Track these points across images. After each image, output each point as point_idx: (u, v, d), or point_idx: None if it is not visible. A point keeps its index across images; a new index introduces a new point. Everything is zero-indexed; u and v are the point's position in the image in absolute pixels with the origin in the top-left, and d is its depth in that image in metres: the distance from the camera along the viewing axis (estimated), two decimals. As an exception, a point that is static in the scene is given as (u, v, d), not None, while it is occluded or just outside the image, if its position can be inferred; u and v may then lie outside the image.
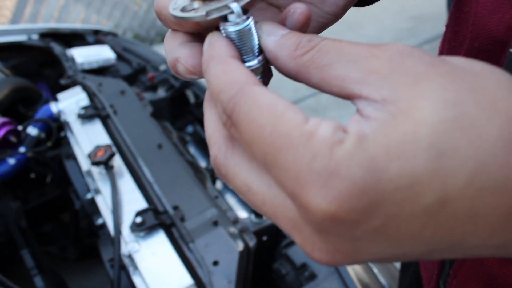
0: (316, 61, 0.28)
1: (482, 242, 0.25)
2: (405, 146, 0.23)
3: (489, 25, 0.38)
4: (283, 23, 0.33)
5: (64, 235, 1.86)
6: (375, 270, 1.19)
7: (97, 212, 1.37)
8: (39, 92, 1.99)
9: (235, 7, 0.31)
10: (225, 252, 1.12)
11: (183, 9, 0.33)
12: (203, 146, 1.98)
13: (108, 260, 1.22)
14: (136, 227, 1.17)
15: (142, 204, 1.28)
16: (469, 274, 0.47)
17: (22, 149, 1.66)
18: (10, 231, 1.52)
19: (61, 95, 1.77)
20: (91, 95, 1.74)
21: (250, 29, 0.31)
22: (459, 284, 0.48)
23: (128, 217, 1.23)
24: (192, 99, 2.13)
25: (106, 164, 1.36)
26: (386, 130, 0.23)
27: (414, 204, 0.23)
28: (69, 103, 1.71)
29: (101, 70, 2.10)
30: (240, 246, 1.13)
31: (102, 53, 2.13)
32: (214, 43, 0.31)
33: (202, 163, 1.83)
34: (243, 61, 0.32)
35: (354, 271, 1.14)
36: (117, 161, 1.42)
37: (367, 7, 0.47)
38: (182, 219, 1.22)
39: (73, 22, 4.78)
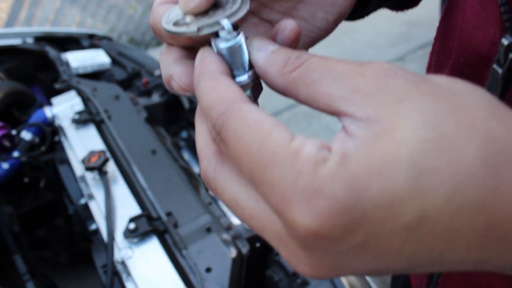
0: (303, 78, 0.28)
1: (461, 258, 0.26)
2: (386, 165, 0.23)
3: (474, 40, 0.39)
4: (273, 38, 0.33)
5: (57, 240, 1.85)
6: (367, 277, 1.20)
7: (90, 217, 1.37)
8: (34, 96, 1.99)
9: (226, 23, 0.31)
10: (218, 258, 1.12)
11: (175, 23, 0.33)
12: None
13: (101, 266, 1.22)
14: (129, 233, 1.17)
15: (136, 210, 1.28)
16: (456, 284, 0.48)
17: (16, 154, 1.65)
18: (3, 236, 1.51)
19: (55, 100, 1.76)
20: (85, 99, 1.73)
21: (240, 45, 0.32)
22: (447, 294, 0.48)
23: (121, 223, 1.23)
24: (186, 104, 2.13)
25: (100, 169, 1.35)
26: (369, 149, 0.24)
27: (394, 222, 0.24)
28: (64, 107, 1.71)
29: (95, 75, 2.10)
30: (233, 252, 1.14)
31: (97, 58, 2.13)
32: (205, 59, 0.32)
33: (196, 169, 1.83)
34: (234, 76, 0.32)
35: (346, 278, 1.15)
36: (111, 167, 1.42)
37: None
38: (176, 226, 1.22)
39: (69, 25, 4.77)
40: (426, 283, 0.54)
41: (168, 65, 0.34)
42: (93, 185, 1.37)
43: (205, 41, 0.34)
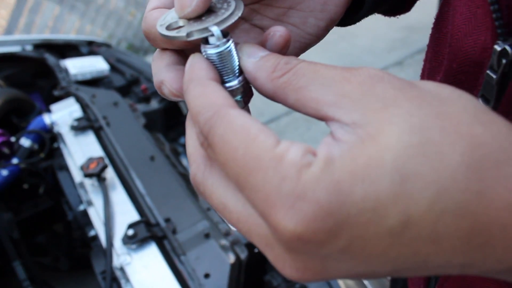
0: (292, 83, 0.29)
1: (446, 262, 0.26)
2: (370, 170, 0.24)
3: (465, 47, 0.39)
4: (263, 44, 0.34)
5: (56, 246, 1.85)
6: (365, 281, 1.20)
7: (89, 223, 1.37)
8: (33, 103, 1.99)
9: (215, 30, 0.31)
10: (216, 264, 1.12)
11: (168, 27, 0.33)
12: (196, 157, 1.97)
13: (100, 272, 1.22)
14: (128, 240, 1.17)
15: (134, 216, 1.28)
16: (452, 289, 0.48)
17: (15, 161, 1.66)
18: (2, 242, 1.52)
19: (54, 106, 1.77)
20: (84, 106, 1.74)
21: (230, 51, 0.32)
22: (444, 298, 0.48)
23: (120, 229, 1.23)
24: (185, 110, 2.14)
25: (98, 176, 1.36)
26: (353, 153, 0.24)
27: (378, 226, 0.24)
28: (62, 114, 1.72)
29: (94, 81, 2.11)
30: (231, 258, 1.14)
31: (95, 64, 2.14)
32: (195, 65, 0.32)
33: (195, 174, 1.83)
34: (224, 82, 0.33)
35: (344, 282, 1.15)
36: (110, 173, 1.42)
37: None
38: (174, 232, 1.22)
39: (68, 32, 4.79)
40: (423, 288, 0.54)
41: (160, 71, 0.35)
42: (92, 192, 1.38)
43: (198, 45, 0.34)
